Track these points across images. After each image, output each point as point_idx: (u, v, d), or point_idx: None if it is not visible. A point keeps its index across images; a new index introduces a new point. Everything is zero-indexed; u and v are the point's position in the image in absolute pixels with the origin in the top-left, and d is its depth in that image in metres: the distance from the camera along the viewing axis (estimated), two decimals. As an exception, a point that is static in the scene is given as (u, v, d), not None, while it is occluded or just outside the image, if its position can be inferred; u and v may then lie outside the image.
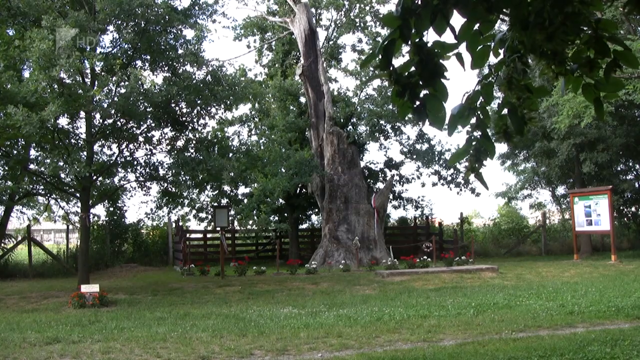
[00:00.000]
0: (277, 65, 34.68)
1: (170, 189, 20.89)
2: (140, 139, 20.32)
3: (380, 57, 3.04)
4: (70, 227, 29.99)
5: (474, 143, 3.67)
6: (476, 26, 3.27)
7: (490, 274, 21.57)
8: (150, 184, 21.47)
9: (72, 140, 19.74)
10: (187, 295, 18.66)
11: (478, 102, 3.60)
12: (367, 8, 34.30)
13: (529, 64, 3.44)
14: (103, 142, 20.58)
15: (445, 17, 2.99)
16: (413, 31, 3.01)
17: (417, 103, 3.16)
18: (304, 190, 31.39)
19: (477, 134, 3.67)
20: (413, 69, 3.11)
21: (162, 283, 21.57)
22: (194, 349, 10.44)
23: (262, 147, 27.31)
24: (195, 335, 11.58)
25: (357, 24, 34.48)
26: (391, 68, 3.07)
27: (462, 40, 3.30)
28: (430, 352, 9.44)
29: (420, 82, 3.12)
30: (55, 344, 11.12)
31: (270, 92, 31.18)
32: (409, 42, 3.06)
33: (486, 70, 3.66)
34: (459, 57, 3.50)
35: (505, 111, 3.57)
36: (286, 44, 34.53)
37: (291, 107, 32.36)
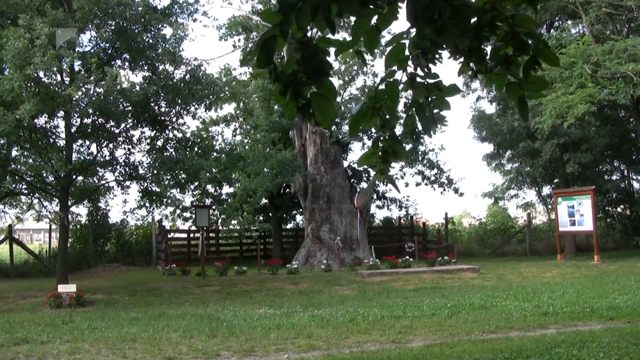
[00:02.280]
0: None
1: (150, 188, 20.78)
2: (120, 138, 20.24)
3: (258, 54, 2.96)
4: (54, 226, 29.83)
5: (381, 144, 3.60)
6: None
7: (471, 274, 21.53)
8: (130, 183, 21.36)
9: (51, 140, 19.64)
10: (165, 296, 18.57)
11: (383, 102, 3.52)
12: (353, 7, 34.15)
13: (435, 60, 3.35)
14: (82, 141, 20.49)
15: (324, 12, 2.91)
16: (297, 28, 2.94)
17: (303, 102, 3.08)
18: (288, 190, 31.32)
19: (386, 134, 3.61)
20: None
21: (142, 283, 21.46)
22: (162, 349, 10.38)
23: (246, 147, 27.24)
24: (166, 336, 11.52)
25: (342, 24, 34.36)
26: (272, 66, 2.99)
27: (357, 37, 3.21)
28: (396, 353, 9.39)
29: (307, 81, 3.04)
30: (24, 344, 11.04)
31: (253, 91, 31.03)
32: (293, 39, 2.98)
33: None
34: (359, 54, 3.43)
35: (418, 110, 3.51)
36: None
37: (275, 107, 32.26)
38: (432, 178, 34.52)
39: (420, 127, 3.56)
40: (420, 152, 34.30)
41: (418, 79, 3.50)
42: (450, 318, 12.92)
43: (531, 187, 38.01)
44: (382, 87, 3.52)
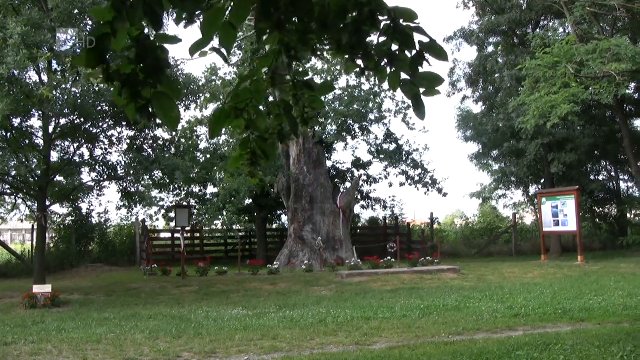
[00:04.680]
0: (246, 65, 34.48)
1: (129, 188, 20.69)
2: (99, 138, 20.12)
3: (86, 54, 2.85)
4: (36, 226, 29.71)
5: (250, 145, 3.51)
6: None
7: (452, 275, 21.45)
8: (110, 183, 21.26)
9: (28, 140, 19.53)
10: (142, 296, 18.45)
11: (249, 101, 3.42)
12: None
13: (299, 57, 3.23)
14: (61, 141, 20.37)
15: (152, 7, 2.80)
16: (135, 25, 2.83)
17: (142, 103, 2.98)
18: (272, 190, 31.23)
19: (254, 135, 3.52)
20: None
21: (121, 283, 21.35)
22: (124, 350, 10.30)
23: (231, 147, 27.14)
24: (132, 337, 11.43)
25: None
26: (105, 65, 2.88)
27: (209, 34, 3.10)
28: (355, 356, 9.33)
29: (146, 80, 2.94)
30: (-14, 345, 10.95)
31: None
32: (128, 37, 2.88)
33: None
34: (218, 52, 3.32)
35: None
36: (255, 43, 34.26)
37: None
38: (416, 178, 34.42)
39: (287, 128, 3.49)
40: (404, 152, 34.22)
41: (287, 77, 3.41)
42: (421, 319, 12.84)
43: (518, 187, 37.96)
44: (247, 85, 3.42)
